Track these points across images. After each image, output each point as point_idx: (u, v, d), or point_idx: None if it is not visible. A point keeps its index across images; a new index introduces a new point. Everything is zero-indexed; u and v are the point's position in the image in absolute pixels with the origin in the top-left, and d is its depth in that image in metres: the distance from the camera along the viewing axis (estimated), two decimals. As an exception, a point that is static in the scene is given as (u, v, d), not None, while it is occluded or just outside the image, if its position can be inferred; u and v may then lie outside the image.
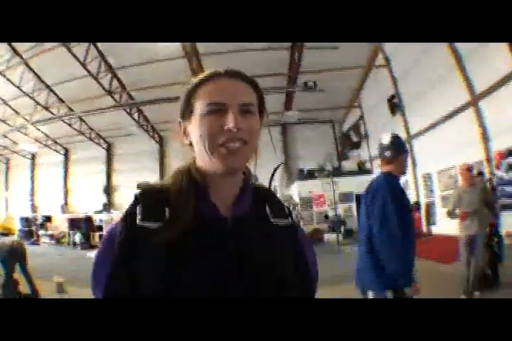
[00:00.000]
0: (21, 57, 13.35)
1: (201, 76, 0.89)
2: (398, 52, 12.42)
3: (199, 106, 0.85)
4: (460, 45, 9.14)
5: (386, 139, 2.66)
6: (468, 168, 5.33)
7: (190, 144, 0.90)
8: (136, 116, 17.97)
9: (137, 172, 19.97)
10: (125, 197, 20.53)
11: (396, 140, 2.66)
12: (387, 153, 2.62)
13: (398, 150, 2.62)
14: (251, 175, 0.96)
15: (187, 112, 0.89)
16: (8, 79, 14.45)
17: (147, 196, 0.86)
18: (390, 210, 2.36)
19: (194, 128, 0.86)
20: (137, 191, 0.87)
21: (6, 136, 20.35)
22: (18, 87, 14.97)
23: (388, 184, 2.51)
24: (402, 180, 2.81)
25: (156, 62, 13.60)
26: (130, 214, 0.82)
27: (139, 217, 0.81)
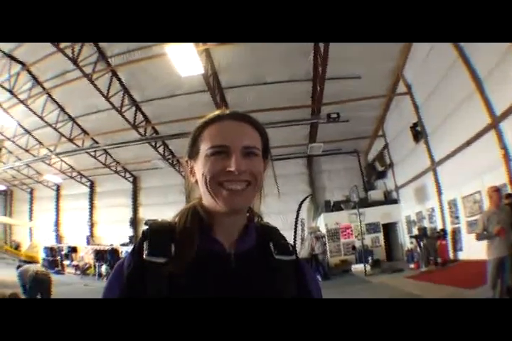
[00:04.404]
0: (43, 87, 13.60)
1: (206, 118, 0.93)
2: (419, 78, 12.36)
3: (204, 148, 0.88)
4: (478, 66, 9.04)
5: None
6: (497, 190, 5.48)
7: (196, 182, 0.92)
8: (161, 149, 18.09)
9: (163, 206, 19.87)
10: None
11: None
12: None
13: None
14: (255, 213, 0.99)
15: (193, 152, 0.93)
16: (30, 109, 14.54)
17: (154, 233, 0.89)
18: None
19: (199, 168, 0.89)
20: (145, 228, 0.92)
21: (29, 166, 20.83)
22: (40, 118, 15.06)
23: None
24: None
25: (179, 95, 13.82)
26: (138, 249, 0.87)
27: (145, 252, 0.84)
